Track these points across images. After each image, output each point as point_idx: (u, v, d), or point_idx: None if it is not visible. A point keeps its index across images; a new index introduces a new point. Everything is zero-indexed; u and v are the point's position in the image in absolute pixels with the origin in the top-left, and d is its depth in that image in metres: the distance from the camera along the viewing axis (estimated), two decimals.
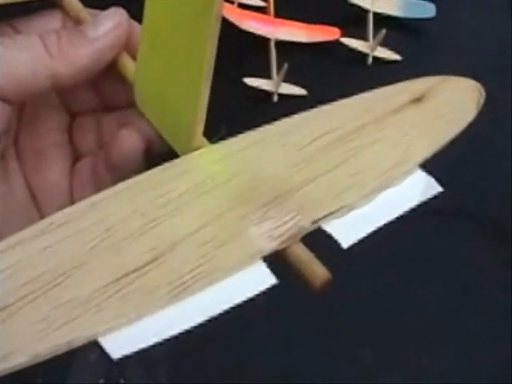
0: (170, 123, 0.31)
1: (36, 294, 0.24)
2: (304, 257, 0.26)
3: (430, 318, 0.47)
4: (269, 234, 0.26)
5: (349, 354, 0.46)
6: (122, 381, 0.44)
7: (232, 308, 0.24)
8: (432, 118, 0.31)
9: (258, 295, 0.25)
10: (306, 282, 0.25)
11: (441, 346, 0.46)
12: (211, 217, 0.27)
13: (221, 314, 0.24)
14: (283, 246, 0.26)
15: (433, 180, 0.29)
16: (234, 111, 0.51)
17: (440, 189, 0.29)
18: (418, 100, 0.32)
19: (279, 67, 0.54)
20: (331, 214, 0.27)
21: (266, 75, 0.55)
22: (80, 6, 0.35)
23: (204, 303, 0.25)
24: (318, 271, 0.25)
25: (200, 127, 0.29)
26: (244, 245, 0.26)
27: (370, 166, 0.29)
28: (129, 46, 0.33)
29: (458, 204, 0.50)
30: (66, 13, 0.35)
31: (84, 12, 0.34)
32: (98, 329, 0.23)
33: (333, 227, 0.27)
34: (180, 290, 0.24)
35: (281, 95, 0.55)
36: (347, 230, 0.27)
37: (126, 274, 0.25)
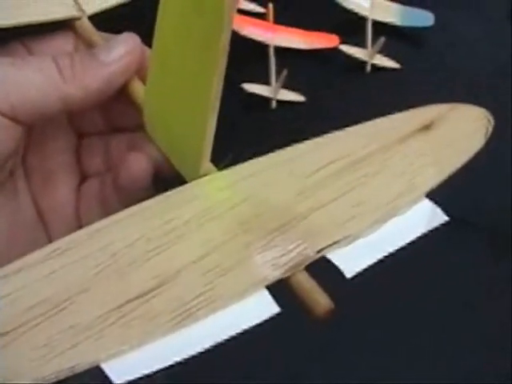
0: (178, 149, 0.31)
1: (39, 319, 0.24)
2: (307, 285, 0.26)
3: (430, 325, 0.47)
4: (273, 262, 0.26)
5: (349, 358, 0.46)
6: None
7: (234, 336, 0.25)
8: (440, 146, 0.31)
9: (260, 324, 0.25)
10: (309, 310, 0.26)
11: (440, 354, 0.46)
12: (215, 244, 0.27)
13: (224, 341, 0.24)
14: (287, 274, 0.26)
15: (438, 210, 0.29)
16: (232, 117, 0.51)
17: (446, 218, 0.29)
18: (427, 127, 0.32)
19: (278, 73, 0.54)
20: (336, 243, 0.27)
21: (265, 81, 0.55)
22: (92, 29, 0.35)
23: (207, 331, 0.25)
24: (320, 301, 0.26)
25: (207, 154, 0.30)
26: (248, 273, 0.26)
27: (375, 196, 0.29)
28: (140, 71, 0.33)
29: (459, 213, 0.50)
30: (78, 35, 0.35)
31: (96, 35, 0.35)
32: (100, 355, 0.24)
33: (337, 256, 0.27)
34: (183, 318, 0.25)
35: (279, 101, 0.55)
36: (351, 260, 0.27)
37: (129, 301, 0.25)
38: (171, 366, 0.24)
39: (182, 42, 0.29)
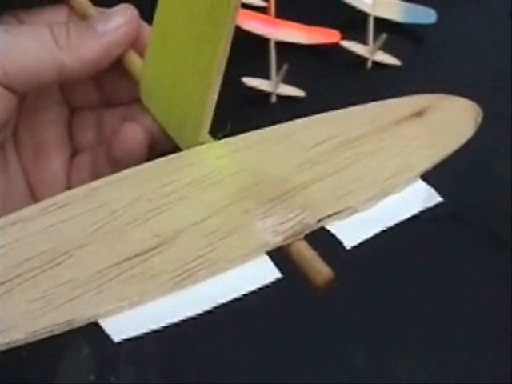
0: (177, 118, 0.31)
1: (35, 271, 0.24)
2: (308, 254, 0.26)
3: (424, 324, 0.47)
4: (273, 228, 0.26)
5: (340, 357, 0.46)
6: (112, 378, 0.44)
7: (235, 300, 0.24)
8: (432, 131, 0.32)
9: (260, 289, 0.25)
10: (309, 279, 0.26)
11: (434, 352, 0.46)
12: (215, 209, 0.27)
13: (218, 308, 0.24)
14: (288, 241, 0.26)
15: (433, 190, 0.30)
16: (231, 110, 0.51)
17: (440, 199, 0.29)
18: (418, 114, 0.32)
19: (278, 68, 0.54)
20: (335, 214, 0.27)
21: (265, 75, 0.55)
22: (87, 2, 0.35)
23: (207, 293, 0.25)
24: (321, 269, 0.26)
25: (207, 124, 0.30)
26: (249, 238, 0.26)
27: (371, 173, 0.30)
28: (136, 44, 0.33)
29: (453, 211, 0.50)
30: (72, 9, 0.35)
31: (91, 9, 0.34)
32: (98, 310, 0.23)
33: (336, 228, 0.27)
34: (183, 278, 0.25)
35: (279, 96, 0.55)
36: (350, 232, 0.27)
37: (129, 258, 0.25)
38: (170, 326, 0.24)
39: (189, 4, 0.29)
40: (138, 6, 0.33)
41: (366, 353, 0.46)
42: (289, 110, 0.55)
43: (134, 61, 0.33)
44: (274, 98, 0.55)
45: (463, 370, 0.45)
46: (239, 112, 0.53)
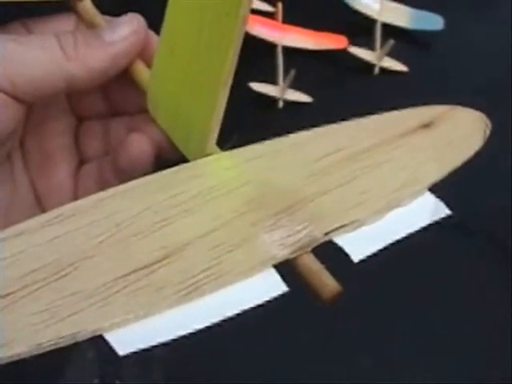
0: (184, 129, 0.31)
1: (40, 283, 0.24)
2: (315, 268, 0.26)
3: (429, 331, 0.47)
4: (281, 241, 0.26)
5: (348, 361, 0.46)
6: (117, 381, 0.44)
7: (240, 313, 0.24)
8: (440, 143, 0.32)
9: (267, 302, 0.25)
10: (316, 293, 0.25)
11: (439, 359, 0.46)
12: (222, 221, 0.27)
13: (229, 319, 0.24)
14: (295, 254, 0.26)
15: (441, 203, 0.29)
16: (239, 116, 0.51)
17: (448, 212, 0.29)
18: (426, 126, 0.32)
19: (285, 73, 0.54)
20: (343, 227, 0.27)
21: (272, 81, 0.55)
22: (95, 11, 0.35)
23: (214, 306, 0.24)
24: (328, 283, 0.25)
25: (214, 135, 0.29)
26: (255, 251, 0.26)
27: (379, 185, 0.29)
28: (143, 54, 0.33)
29: (457, 220, 0.50)
30: (80, 17, 0.35)
31: (98, 17, 0.34)
32: (104, 323, 0.23)
33: (344, 240, 0.27)
34: (190, 290, 0.24)
35: (286, 101, 0.55)
36: (358, 245, 0.27)
37: (135, 271, 0.25)
38: (176, 340, 0.24)
39: (197, 15, 0.29)
40: (145, 16, 0.33)
41: (373, 359, 0.46)
42: (296, 115, 0.55)
43: (141, 71, 0.33)
44: (281, 104, 0.55)
45: (467, 376, 0.45)
46: (246, 117, 0.53)
